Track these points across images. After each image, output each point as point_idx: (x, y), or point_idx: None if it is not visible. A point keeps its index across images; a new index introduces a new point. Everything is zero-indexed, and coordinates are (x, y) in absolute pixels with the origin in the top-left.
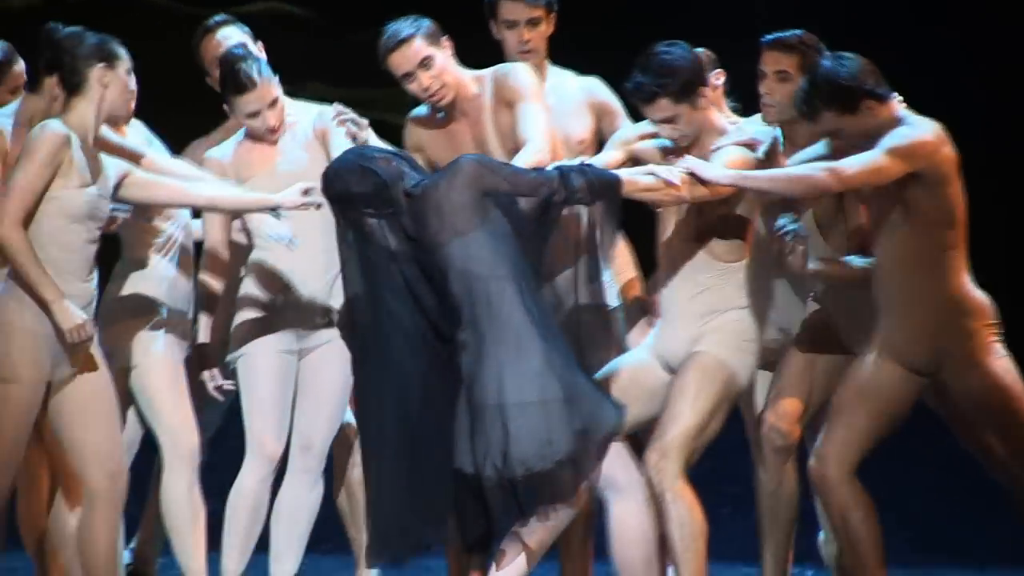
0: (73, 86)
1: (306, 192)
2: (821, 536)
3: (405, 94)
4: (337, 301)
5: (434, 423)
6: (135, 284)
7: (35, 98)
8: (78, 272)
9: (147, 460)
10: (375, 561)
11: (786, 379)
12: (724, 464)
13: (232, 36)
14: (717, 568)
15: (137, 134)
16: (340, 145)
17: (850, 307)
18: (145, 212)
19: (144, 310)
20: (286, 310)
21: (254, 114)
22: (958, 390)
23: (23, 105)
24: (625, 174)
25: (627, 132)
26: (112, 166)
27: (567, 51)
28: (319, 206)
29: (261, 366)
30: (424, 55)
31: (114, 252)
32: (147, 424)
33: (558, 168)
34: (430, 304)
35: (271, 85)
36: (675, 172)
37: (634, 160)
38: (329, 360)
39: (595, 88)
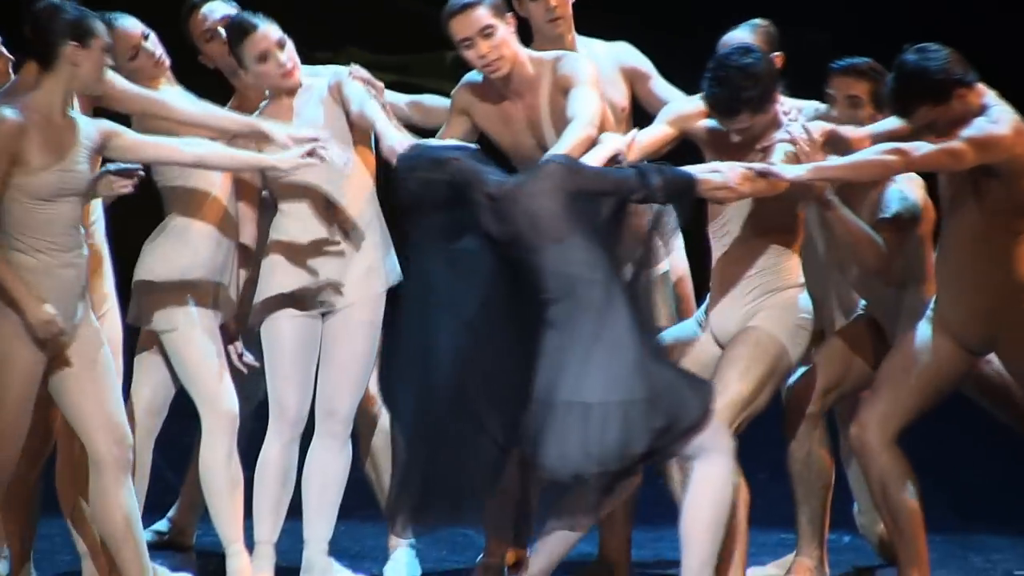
0: (44, 63)
1: (310, 154)
2: (856, 507)
3: (441, 60)
4: (359, 268)
5: (474, 409)
6: (175, 247)
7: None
8: (62, 246)
9: (189, 428)
10: (395, 530)
11: (822, 357)
12: (761, 430)
13: (217, 10)
14: (754, 533)
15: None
16: (353, 92)
17: (896, 312)
18: (183, 175)
19: (183, 274)
20: (309, 276)
21: (264, 56)
22: (1014, 369)
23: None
24: (698, 174)
25: (682, 108)
26: (92, 131)
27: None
28: (323, 159)
29: (284, 331)
30: (486, 23)
31: (157, 213)
32: (184, 389)
33: (635, 167)
34: (493, 296)
35: (274, 25)
36: (738, 170)
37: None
38: (353, 325)
39: (625, 54)
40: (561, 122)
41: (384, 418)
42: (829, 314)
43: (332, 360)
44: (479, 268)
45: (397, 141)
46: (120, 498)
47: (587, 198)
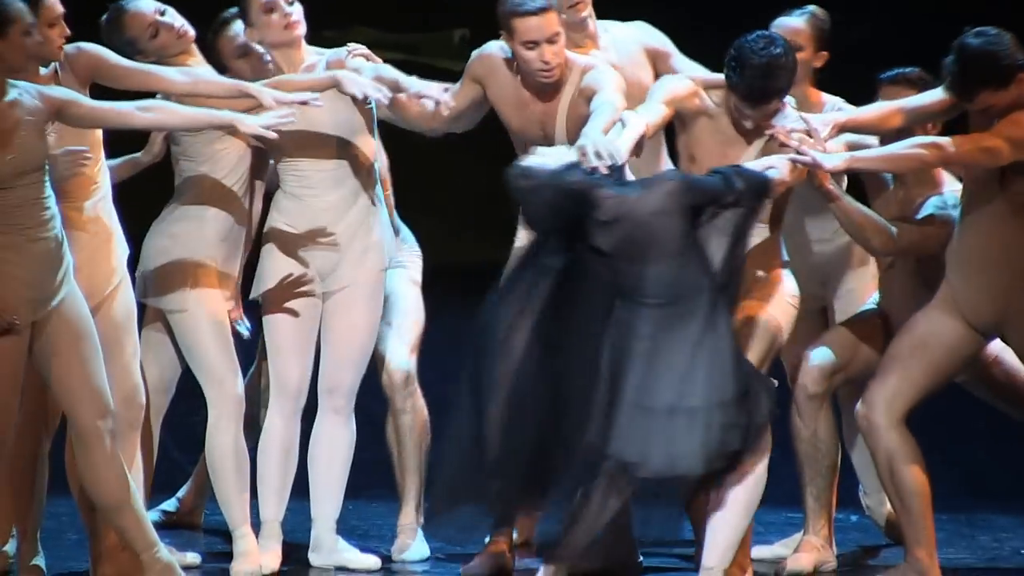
0: None
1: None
2: (861, 488)
3: (449, 39)
4: (358, 248)
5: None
6: (187, 229)
7: None
8: (29, 223)
9: (196, 408)
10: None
11: (831, 339)
12: None
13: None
14: (761, 512)
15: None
16: (359, 64)
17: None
18: (211, 160)
19: (194, 255)
20: (310, 251)
21: (271, 7)
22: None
23: None
24: (771, 174)
25: (675, 87)
26: (36, 103)
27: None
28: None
29: (284, 305)
30: (556, 30)
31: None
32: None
33: (718, 172)
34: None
35: None
36: (786, 163)
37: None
38: (354, 302)
39: (646, 34)
40: (576, 129)
41: (418, 399)
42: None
43: (333, 336)
44: (564, 280)
45: (424, 86)
46: (111, 470)
47: (696, 210)
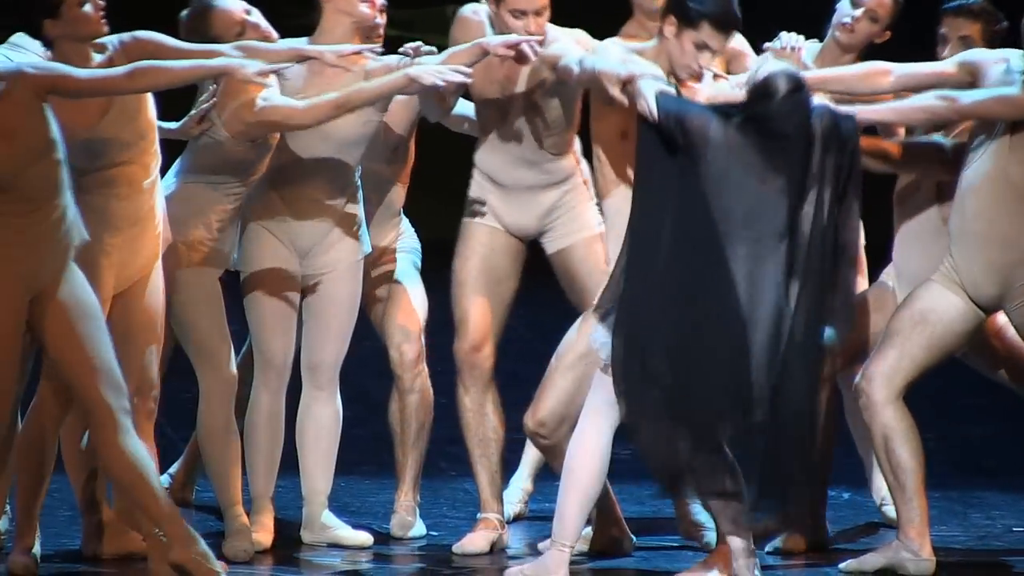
0: None
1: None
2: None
3: (442, 15)
4: (339, 234)
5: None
6: (183, 209)
7: None
8: (33, 205)
9: (187, 385)
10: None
11: None
12: None
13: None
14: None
15: None
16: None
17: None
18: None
19: (188, 236)
20: (292, 232)
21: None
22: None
23: None
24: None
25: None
26: (23, 92)
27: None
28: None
29: (266, 282)
30: (545, 3)
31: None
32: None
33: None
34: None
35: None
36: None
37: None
38: (334, 281)
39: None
40: (535, 92)
41: (426, 379)
42: None
43: (315, 314)
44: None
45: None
46: (126, 445)
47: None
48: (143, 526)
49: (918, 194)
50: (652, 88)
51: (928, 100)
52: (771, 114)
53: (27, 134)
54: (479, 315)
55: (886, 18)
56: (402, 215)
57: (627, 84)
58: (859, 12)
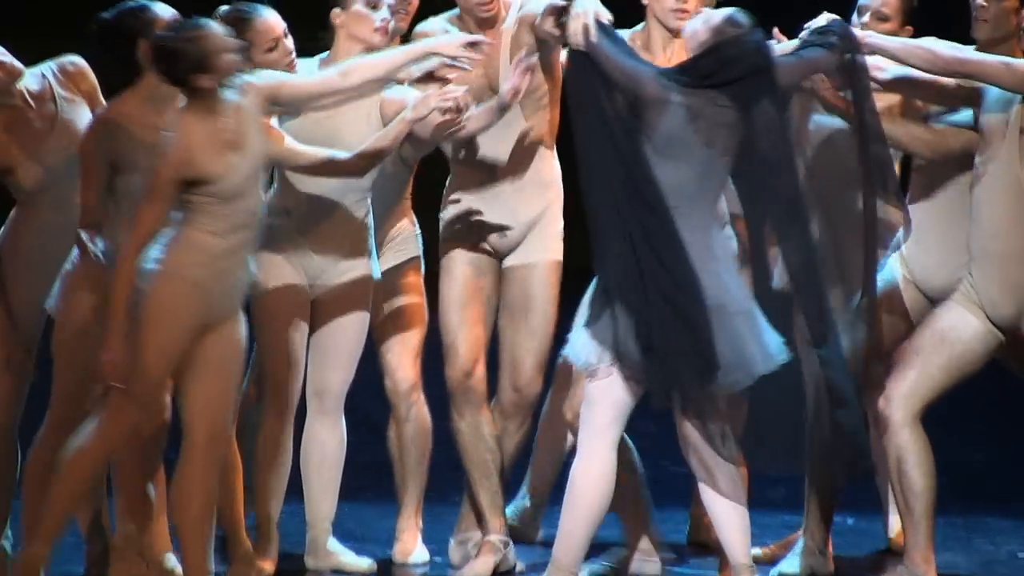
0: None
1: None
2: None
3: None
4: (348, 255)
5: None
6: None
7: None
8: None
9: None
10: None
11: None
12: None
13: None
14: (759, 516)
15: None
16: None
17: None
18: None
19: None
20: (305, 256)
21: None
22: None
23: None
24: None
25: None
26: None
27: None
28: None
29: (276, 307)
30: None
31: None
32: None
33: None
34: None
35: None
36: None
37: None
38: (343, 305)
39: None
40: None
41: (422, 407)
42: None
43: (321, 338)
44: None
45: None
46: (202, 488)
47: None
48: (146, 552)
49: (934, 184)
50: (591, 7)
51: (938, 45)
52: (722, 60)
53: (256, 144)
54: (468, 341)
55: (896, 13)
56: (413, 223)
57: (562, 13)
58: (866, 18)
